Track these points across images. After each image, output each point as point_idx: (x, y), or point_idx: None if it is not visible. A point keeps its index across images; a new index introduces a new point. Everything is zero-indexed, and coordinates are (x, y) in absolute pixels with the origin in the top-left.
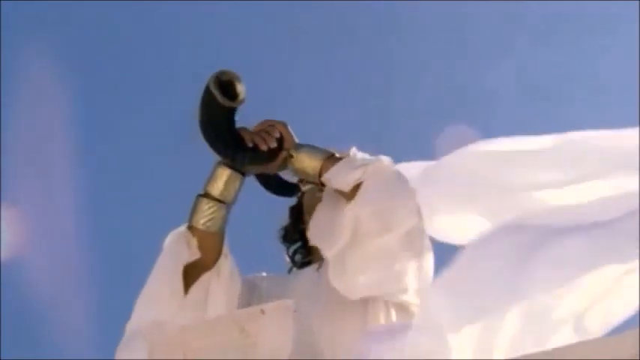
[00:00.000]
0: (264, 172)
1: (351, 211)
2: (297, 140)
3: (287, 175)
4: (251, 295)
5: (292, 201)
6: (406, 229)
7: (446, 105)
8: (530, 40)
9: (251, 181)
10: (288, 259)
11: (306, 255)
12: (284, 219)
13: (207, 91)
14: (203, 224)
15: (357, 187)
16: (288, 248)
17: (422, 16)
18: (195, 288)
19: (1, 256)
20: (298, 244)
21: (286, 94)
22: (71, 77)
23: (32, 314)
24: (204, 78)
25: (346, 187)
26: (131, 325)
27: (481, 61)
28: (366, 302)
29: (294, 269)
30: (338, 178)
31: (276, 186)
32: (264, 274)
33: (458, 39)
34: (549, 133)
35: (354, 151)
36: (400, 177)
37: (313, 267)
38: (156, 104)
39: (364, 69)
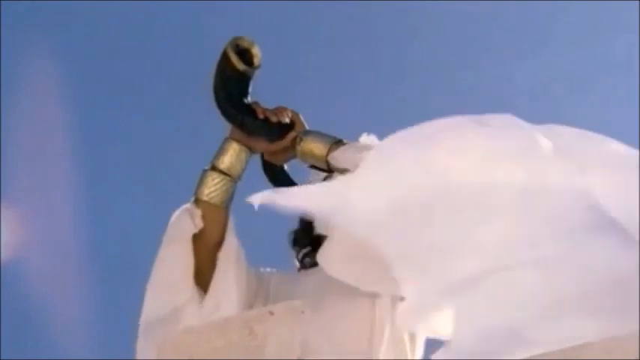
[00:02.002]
0: (272, 156)
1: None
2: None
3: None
4: (259, 287)
5: None
6: None
7: (455, 104)
8: (539, 41)
9: (257, 180)
10: (297, 263)
11: (315, 260)
12: (294, 224)
13: (224, 56)
14: (207, 195)
15: None
16: (297, 253)
17: (433, 15)
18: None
19: (1, 256)
20: (308, 248)
21: (295, 88)
22: (71, 77)
23: (32, 314)
24: (205, 77)
25: (352, 166)
26: (147, 314)
27: (495, 60)
28: (373, 300)
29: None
30: (344, 157)
31: (284, 185)
32: (272, 269)
33: (469, 39)
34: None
35: (364, 137)
36: None
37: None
38: (156, 105)
39: (378, 66)
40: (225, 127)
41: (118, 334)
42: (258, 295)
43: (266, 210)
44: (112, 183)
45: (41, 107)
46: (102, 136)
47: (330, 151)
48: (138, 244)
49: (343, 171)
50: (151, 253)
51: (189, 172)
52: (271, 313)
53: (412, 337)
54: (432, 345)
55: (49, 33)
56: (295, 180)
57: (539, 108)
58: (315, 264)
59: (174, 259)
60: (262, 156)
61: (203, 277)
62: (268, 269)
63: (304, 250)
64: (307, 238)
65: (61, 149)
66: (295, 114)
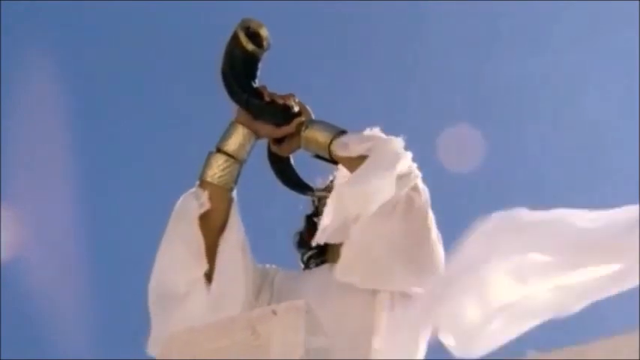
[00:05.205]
0: (277, 145)
1: (339, 187)
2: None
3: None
4: (263, 282)
5: (309, 209)
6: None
7: (458, 100)
8: (540, 40)
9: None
10: (302, 265)
11: (320, 262)
12: (300, 225)
13: (233, 36)
14: (211, 177)
15: (363, 161)
16: (303, 254)
17: (436, 14)
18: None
19: (1, 256)
20: (313, 250)
21: (299, 83)
22: (71, 78)
23: (32, 314)
24: (203, 77)
25: (352, 154)
26: (154, 293)
27: (498, 58)
28: (374, 295)
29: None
30: (347, 145)
31: (290, 179)
32: (276, 267)
33: (472, 37)
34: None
35: (367, 131)
36: (397, 161)
37: (326, 265)
38: (156, 105)
39: (382, 63)
40: (226, 122)
41: (118, 334)
42: (262, 290)
43: (269, 210)
44: (111, 183)
45: (41, 107)
46: (102, 136)
47: (333, 140)
48: (138, 244)
49: (345, 161)
50: (151, 253)
51: (190, 171)
52: (274, 313)
53: (415, 335)
54: (432, 345)
55: (49, 33)
56: (301, 174)
57: (540, 106)
58: (319, 264)
59: (182, 238)
60: (269, 148)
61: (209, 261)
62: (274, 266)
63: (310, 253)
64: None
65: (61, 149)
66: (302, 103)
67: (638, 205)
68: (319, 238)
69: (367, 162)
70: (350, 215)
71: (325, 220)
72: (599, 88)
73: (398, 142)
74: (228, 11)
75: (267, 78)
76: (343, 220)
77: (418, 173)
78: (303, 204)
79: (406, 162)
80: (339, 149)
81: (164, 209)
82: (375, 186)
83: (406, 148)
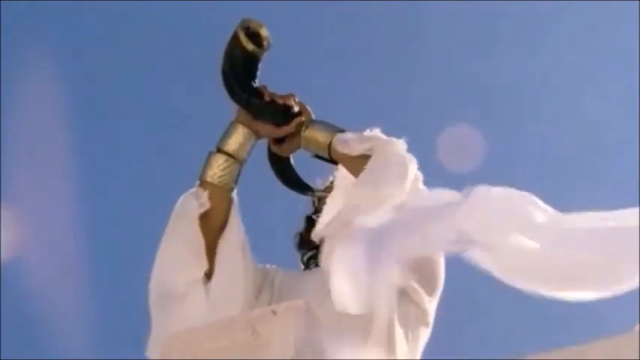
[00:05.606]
0: (277, 145)
1: (348, 190)
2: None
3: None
4: (263, 283)
5: (309, 209)
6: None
7: (459, 100)
8: (541, 39)
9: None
10: (302, 265)
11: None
12: (300, 226)
13: (234, 36)
14: (211, 177)
15: (364, 161)
16: (303, 255)
17: (439, 13)
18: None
19: (1, 256)
20: (313, 251)
21: (299, 83)
22: (71, 77)
23: (32, 314)
24: (203, 77)
25: (353, 152)
26: (155, 290)
27: (499, 57)
28: None
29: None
30: (347, 143)
31: (290, 179)
32: (276, 267)
33: (473, 37)
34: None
35: (367, 132)
36: (405, 165)
37: None
38: (156, 105)
39: (382, 64)
40: (226, 122)
41: (118, 334)
42: (262, 290)
43: (269, 210)
44: (111, 183)
45: (41, 107)
46: (102, 136)
47: (334, 139)
48: (138, 244)
49: (345, 160)
50: (151, 253)
51: (190, 171)
52: (274, 313)
53: (415, 335)
54: (432, 345)
55: (49, 33)
56: (301, 174)
57: (540, 106)
58: (319, 265)
59: (182, 238)
60: (269, 148)
61: (209, 261)
62: (274, 266)
63: (310, 253)
64: (313, 241)
65: (61, 149)
66: (302, 103)
67: (638, 209)
68: (322, 232)
69: (374, 165)
70: (357, 216)
71: (325, 218)
72: (599, 88)
73: (400, 144)
74: (228, 11)
75: (267, 78)
76: (349, 220)
77: (420, 175)
78: (303, 204)
79: (414, 167)
80: (339, 145)
81: (164, 209)
82: (386, 194)
83: (407, 149)
